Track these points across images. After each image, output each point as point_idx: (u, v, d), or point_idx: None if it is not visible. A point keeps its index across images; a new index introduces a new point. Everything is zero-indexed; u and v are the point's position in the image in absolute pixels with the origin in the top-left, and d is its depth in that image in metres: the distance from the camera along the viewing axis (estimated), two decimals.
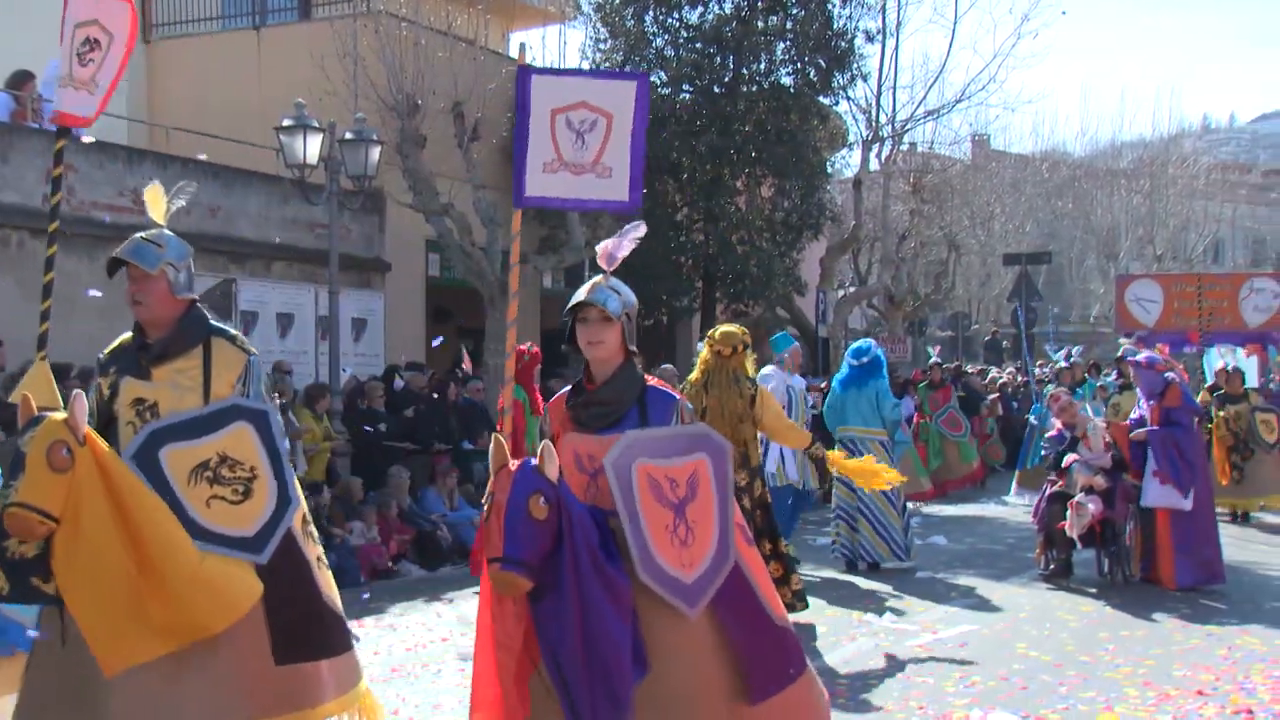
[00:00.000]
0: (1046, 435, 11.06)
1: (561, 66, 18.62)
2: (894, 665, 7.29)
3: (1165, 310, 19.05)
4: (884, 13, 21.95)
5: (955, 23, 24.14)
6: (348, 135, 13.70)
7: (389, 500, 11.68)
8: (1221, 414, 13.76)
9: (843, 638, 8.07)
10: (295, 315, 15.80)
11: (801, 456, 10.42)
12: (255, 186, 15.54)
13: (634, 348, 4.35)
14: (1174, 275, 24.94)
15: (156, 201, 4.72)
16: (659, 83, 20.40)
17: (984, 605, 9.24)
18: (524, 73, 5.46)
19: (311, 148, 13.20)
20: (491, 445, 4.08)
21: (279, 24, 19.84)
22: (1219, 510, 11.40)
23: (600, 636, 3.87)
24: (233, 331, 4.73)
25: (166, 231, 4.66)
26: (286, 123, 13.21)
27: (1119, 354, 14.11)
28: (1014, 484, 14.60)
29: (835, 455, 7.73)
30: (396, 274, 17.60)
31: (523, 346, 10.62)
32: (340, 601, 4.82)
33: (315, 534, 4.85)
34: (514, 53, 23.51)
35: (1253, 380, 15.01)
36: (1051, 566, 10.17)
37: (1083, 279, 42.16)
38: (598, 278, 4.40)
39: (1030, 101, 59.78)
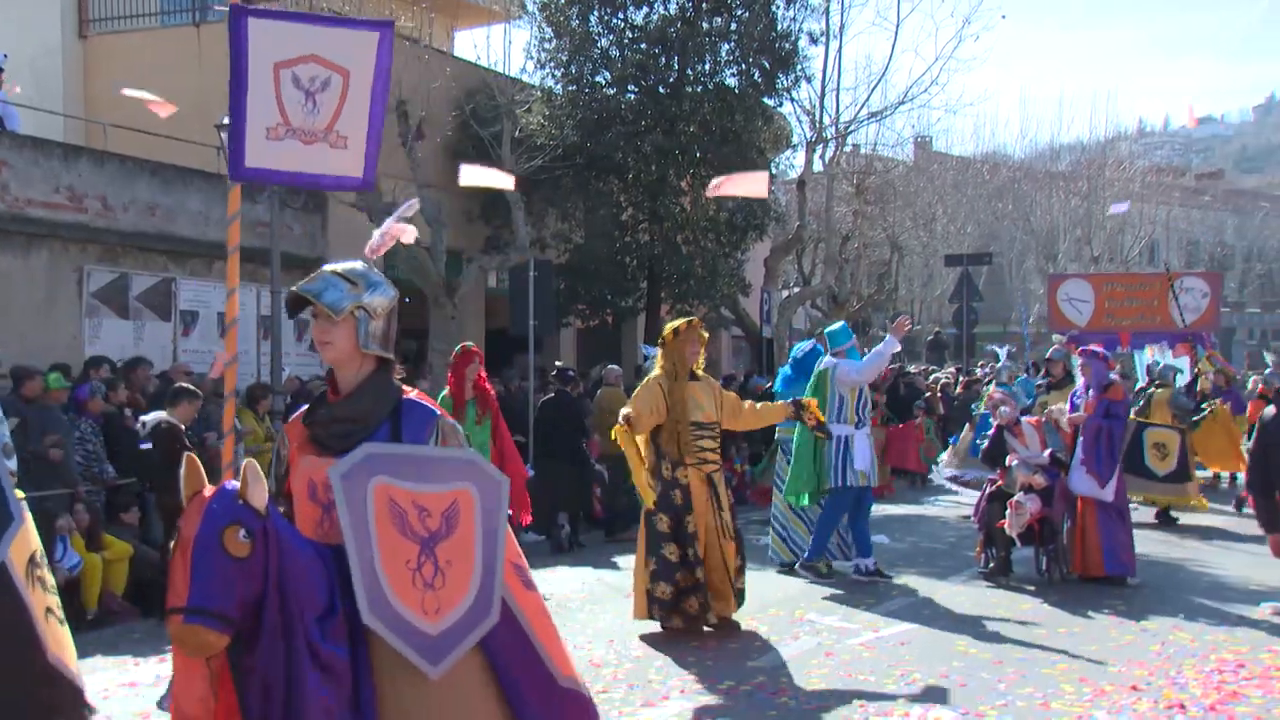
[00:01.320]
0: (985, 432, 11.21)
1: (505, 69, 18.58)
2: (836, 664, 7.34)
3: (1097, 310, 19.30)
4: (827, 15, 22.10)
5: (898, 26, 24.53)
6: None
7: None
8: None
9: (785, 637, 8.12)
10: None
11: (872, 451, 10.47)
12: (195, 185, 15.35)
13: (388, 352, 3.62)
14: (1104, 275, 25.23)
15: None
16: (604, 83, 20.40)
17: (925, 604, 9.34)
18: (237, 13, 4.45)
19: None
20: (184, 466, 3.31)
21: (220, 20, 19.59)
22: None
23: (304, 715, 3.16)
24: None
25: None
26: (227, 120, 13.04)
27: (1048, 354, 14.26)
28: (945, 454, 14.77)
29: (813, 401, 8.50)
30: None
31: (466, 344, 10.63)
32: (75, 664, 4.00)
33: (49, 580, 4.00)
34: (459, 52, 23.48)
35: (1181, 379, 15.27)
36: (991, 565, 10.30)
37: (1023, 279, 42.72)
38: (339, 264, 3.69)
39: (971, 104, 60.53)
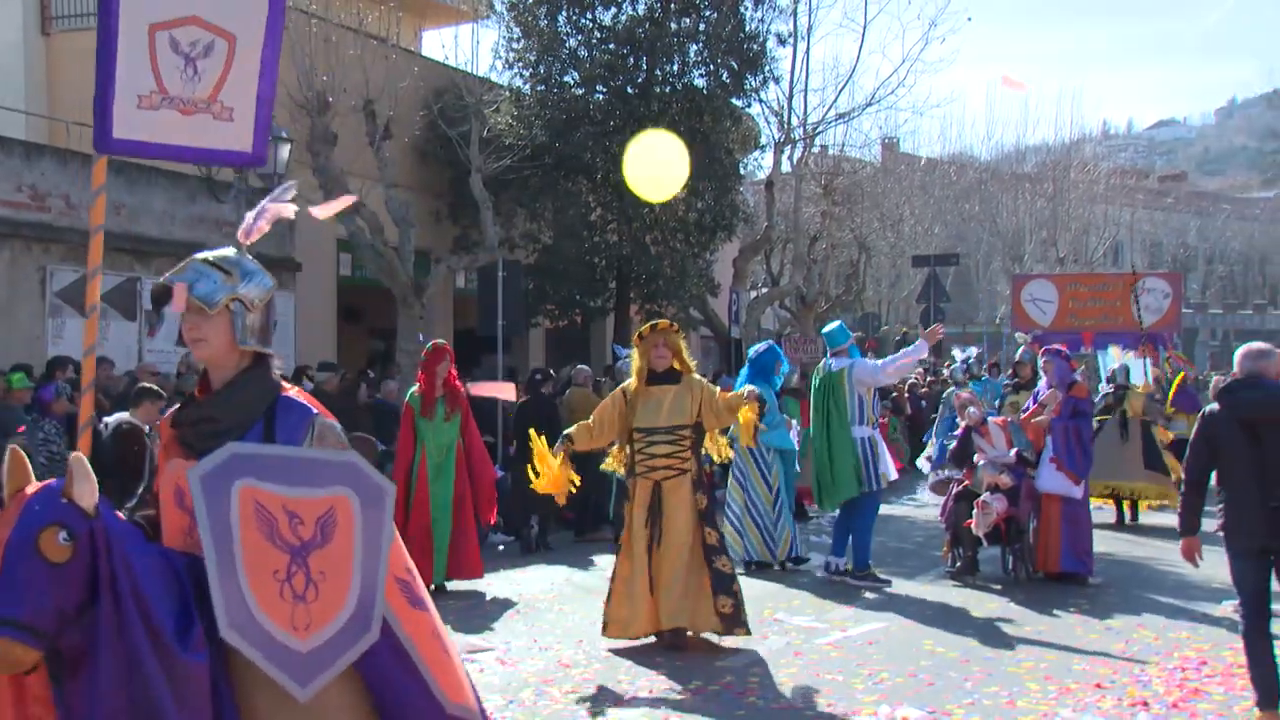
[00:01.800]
0: (957, 433, 11.25)
1: (473, 68, 18.53)
2: (804, 664, 7.37)
3: (1060, 310, 19.45)
4: (795, 16, 22.20)
5: (865, 27, 24.65)
6: None
7: None
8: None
9: (754, 636, 8.13)
10: None
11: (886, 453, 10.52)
12: (160, 184, 15.23)
13: (266, 346, 3.36)
14: (1068, 275, 25.40)
15: None
16: (572, 83, 20.39)
17: (892, 603, 9.38)
18: None
19: None
20: (6, 460, 3.01)
21: None
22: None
23: None
24: None
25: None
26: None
27: (1017, 356, 14.36)
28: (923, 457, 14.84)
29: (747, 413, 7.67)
30: (307, 273, 17.36)
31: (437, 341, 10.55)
32: None
33: None
34: (427, 51, 23.39)
35: (1140, 381, 15.35)
36: (958, 564, 10.36)
37: (989, 280, 42.99)
38: (210, 252, 3.39)
39: (938, 106, 60.90)
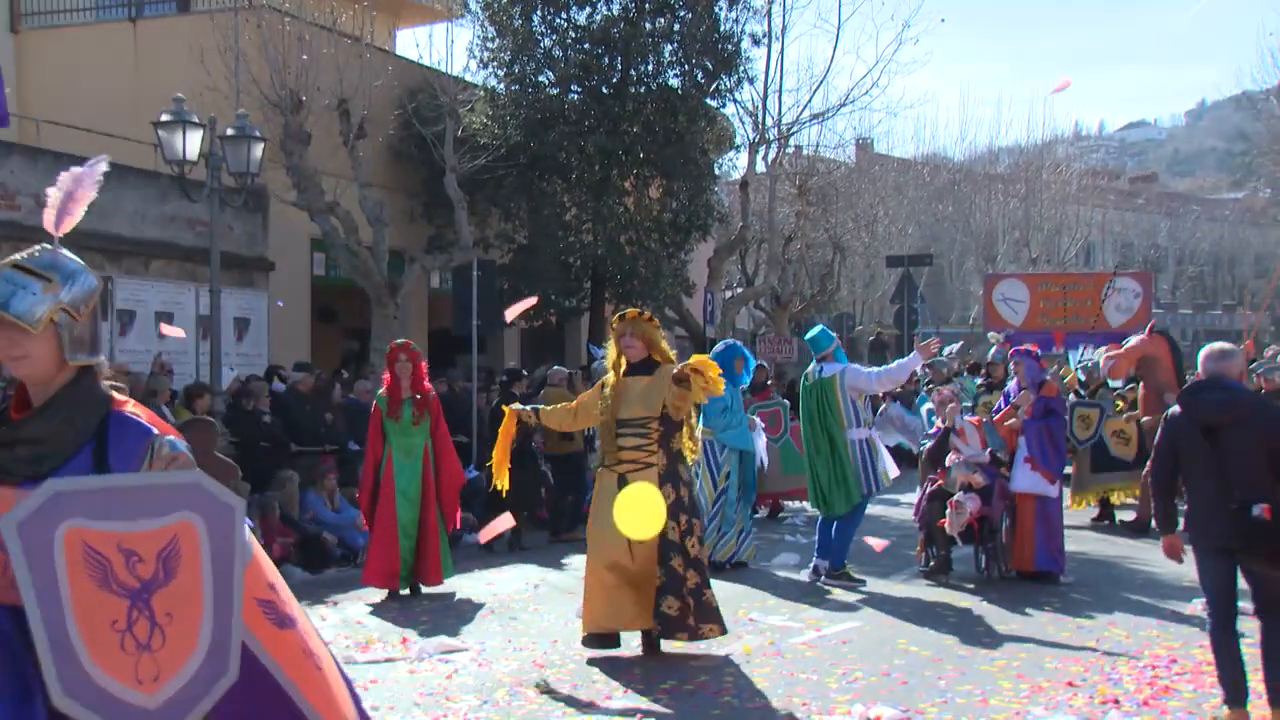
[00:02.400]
0: (928, 432, 11.31)
1: (448, 67, 18.50)
2: (779, 663, 7.38)
3: (1032, 310, 19.51)
4: (769, 17, 22.26)
5: (839, 28, 24.69)
6: (229, 131, 13.41)
7: (271, 503, 11.46)
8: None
9: (728, 636, 8.14)
10: (175, 314, 15.44)
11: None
12: (132, 182, 15.12)
13: (95, 357, 2.99)
14: (1039, 275, 25.50)
15: None
16: (547, 82, 20.36)
17: (866, 602, 9.41)
18: None
19: (191, 143, 12.90)
20: None
21: (156, 16, 19.35)
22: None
23: None
24: None
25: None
26: (165, 118, 12.89)
27: (990, 357, 14.39)
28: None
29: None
30: (280, 273, 17.28)
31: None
32: None
33: None
34: (401, 50, 23.33)
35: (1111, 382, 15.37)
36: (932, 563, 10.40)
37: (963, 280, 43.20)
38: (20, 254, 3.01)
39: (911, 107, 61.04)
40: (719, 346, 11.09)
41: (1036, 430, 10.27)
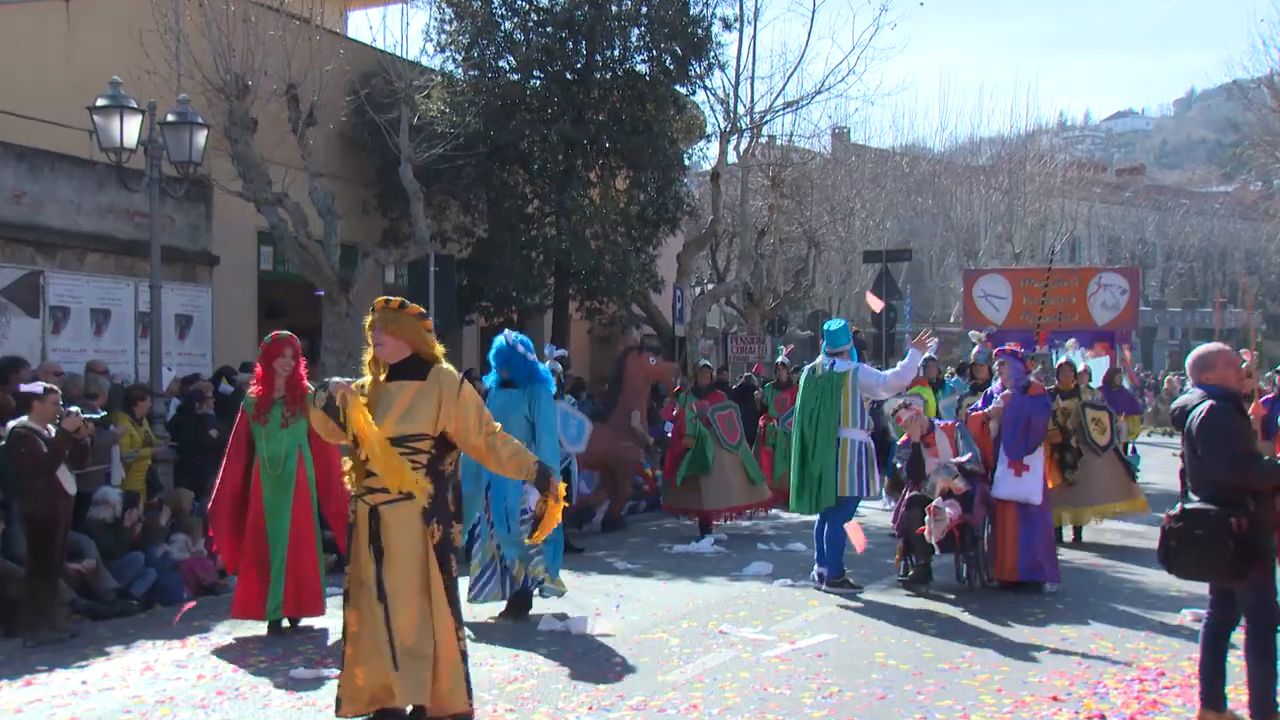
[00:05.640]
0: (897, 444, 11.26)
1: (403, 51, 18.39)
2: (751, 678, 7.40)
3: (1014, 307, 19.56)
4: (741, 0, 22.30)
5: (814, 12, 24.85)
6: (170, 117, 13.29)
7: None
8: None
9: (697, 649, 8.16)
10: (112, 311, 15.30)
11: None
12: (65, 171, 14.97)
13: None
14: (1022, 270, 25.55)
15: None
16: (507, 68, 20.32)
17: (842, 614, 9.45)
18: None
19: (129, 130, 12.77)
20: None
21: None
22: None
23: None
24: None
25: None
26: (101, 102, 12.75)
27: (972, 357, 14.38)
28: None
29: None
30: (225, 268, 17.16)
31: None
32: None
33: None
34: (353, 32, 23.21)
35: (1098, 383, 15.43)
36: (911, 573, 10.46)
37: (943, 277, 43.44)
38: None
39: (889, 95, 61.57)
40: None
41: (1010, 420, 10.32)
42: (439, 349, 6.13)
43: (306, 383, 8.97)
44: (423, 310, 6.13)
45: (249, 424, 9.06)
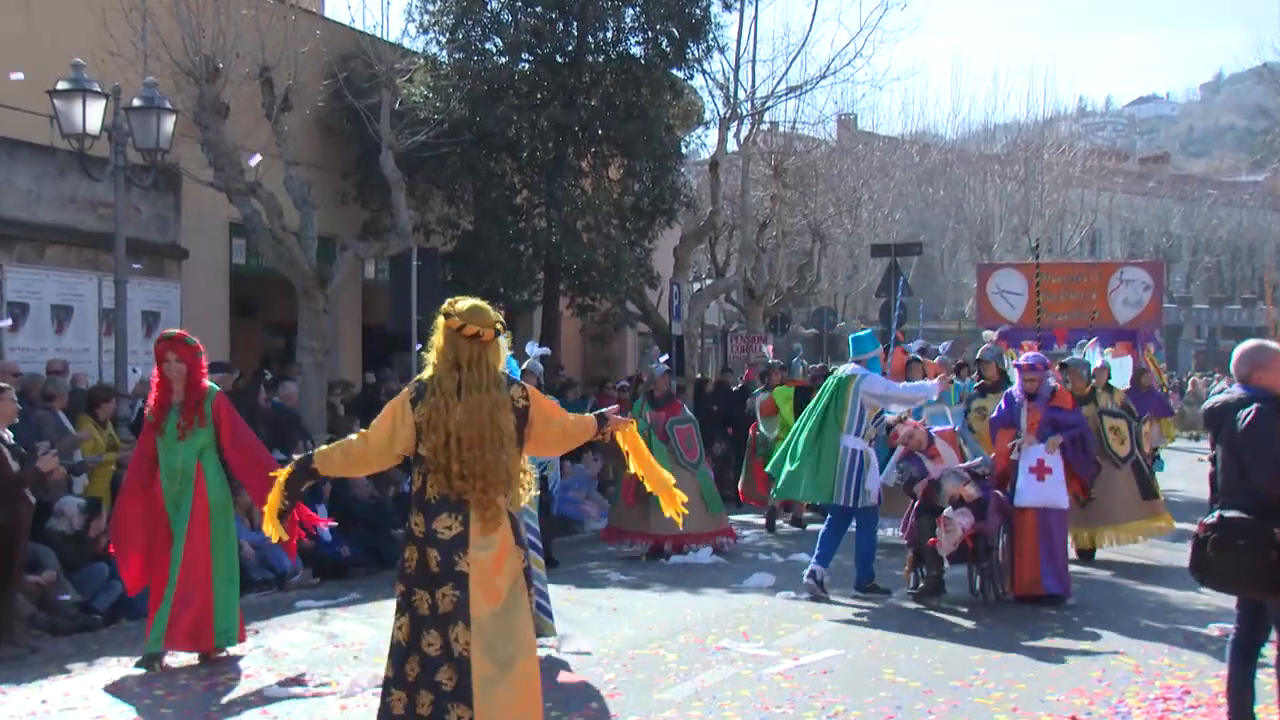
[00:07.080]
0: (896, 458, 11.12)
1: (383, 32, 18.39)
2: (752, 696, 7.39)
3: (1030, 304, 19.51)
4: None
5: None
6: (136, 102, 13.28)
7: None
8: None
9: (696, 665, 8.15)
10: (74, 307, 15.28)
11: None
12: (24, 158, 14.93)
13: None
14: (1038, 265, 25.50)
15: None
16: (494, 50, 20.31)
17: (849, 629, 9.45)
18: None
19: (92, 115, 12.75)
20: None
21: None
22: None
23: None
24: None
25: None
26: (62, 86, 12.73)
27: (979, 354, 14.24)
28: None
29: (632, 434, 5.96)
30: (195, 261, 17.14)
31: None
32: None
33: None
34: (331, 12, 23.20)
35: (1123, 385, 15.33)
36: (921, 585, 10.46)
37: (955, 272, 43.45)
38: None
39: (899, 79, 61.61)
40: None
41: (1065, 442, 10.54)
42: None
43: (205, 381, 8.58)
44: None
45: (153, 434, 8.55)
